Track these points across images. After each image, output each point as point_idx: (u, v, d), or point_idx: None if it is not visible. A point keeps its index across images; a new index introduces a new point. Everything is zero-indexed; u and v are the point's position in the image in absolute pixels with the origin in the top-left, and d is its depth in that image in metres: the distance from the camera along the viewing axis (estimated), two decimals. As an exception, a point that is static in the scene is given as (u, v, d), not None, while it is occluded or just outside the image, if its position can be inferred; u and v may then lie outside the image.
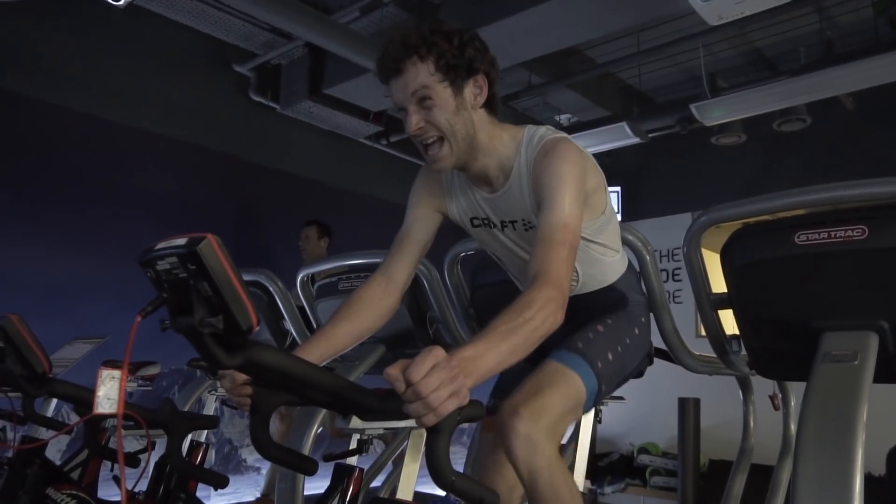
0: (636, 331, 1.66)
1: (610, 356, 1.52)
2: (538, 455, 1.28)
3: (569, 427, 1.42)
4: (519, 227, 1.51)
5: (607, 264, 1.64)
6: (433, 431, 0.85)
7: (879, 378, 1.36)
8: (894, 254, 1.34)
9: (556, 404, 1.36)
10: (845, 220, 1.39)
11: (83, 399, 1.56)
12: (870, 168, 5.06)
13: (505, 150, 1.45)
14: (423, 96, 1.35)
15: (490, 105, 1.44)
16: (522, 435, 1.28)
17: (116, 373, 0.89)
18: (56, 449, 3.83)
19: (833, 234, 1.40)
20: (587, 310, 1.63)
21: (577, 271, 1.59)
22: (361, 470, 1.55)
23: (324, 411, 2.03)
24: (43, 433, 2.14)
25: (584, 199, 1.35)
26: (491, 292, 2.20)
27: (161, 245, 0.78)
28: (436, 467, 0.84)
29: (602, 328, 1.57)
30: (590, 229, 1.51)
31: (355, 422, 1.06)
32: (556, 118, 6.28)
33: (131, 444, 2.94)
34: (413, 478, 1.00)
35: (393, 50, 1.35)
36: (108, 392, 0.89)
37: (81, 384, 1.67)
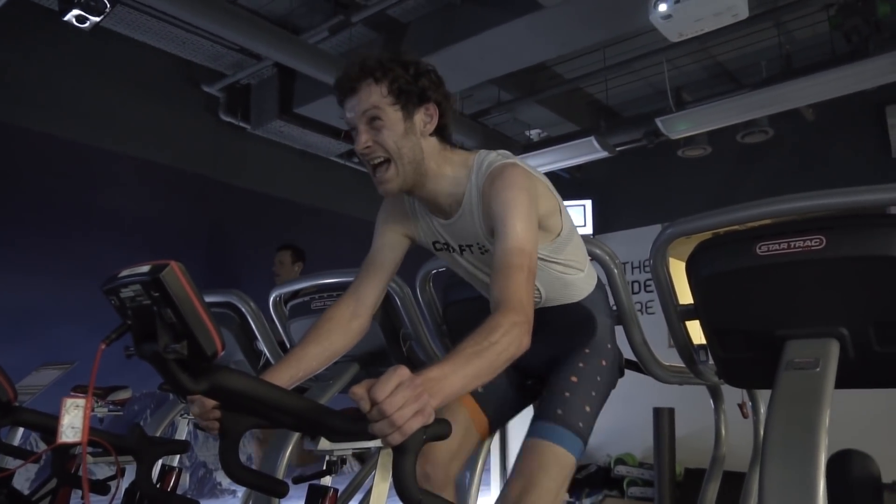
0: (603, 363, 1.68)
1: (587, 408, 1.57)
2: None
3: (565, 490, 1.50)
4: (475, 251, 1.53)
5: (570, 282, 1.65)
6: (399, 451, 0.85)
7: (841, 384, 1.39)
8: (851, 262, 1.37)
9: (553, 488, 1.44)
10: (804, 230, 1.43)
11: (49, 427, 1.53)
12: (831, 177, 5.19)
13: (455, 177, 1.47)
14: (374, 116, 1.37)
15: (441, 134, 1.46)
16: None
17: (80, 401, 0.88)
18: (24, 478, 3.74)
19: (792, 244, 1.43)
20: (554, 325, 1.64)
21: (539, 289, 1.60)
22: (336, 490, 1.54)
23: (297, 435, 2.01)
24: (10, 462, 2.09)
25: (536, 222, 1.37)
26: (463, 308, 2.21)
27: (124, 273, 0.78)
28: (402, 486, 0.84)
29: (575, 378, 1.60)
30: (547, 249, 1.52)
31: (324, 443, 1.06)
32: (527, 133, 6.34)
33: (102, 470, 2.89)
34: (383, 497, 1.00)
35: (350, 71, 1.38)
36: (73, 421, 0.88)
37: (50, 411, 1.64)
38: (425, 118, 1.42)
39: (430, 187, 1.47)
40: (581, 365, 1.63)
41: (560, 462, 1.48)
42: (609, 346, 1.72)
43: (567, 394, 1.57)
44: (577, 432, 1.52)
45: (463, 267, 1.60)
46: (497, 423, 1.78)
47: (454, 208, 1.48)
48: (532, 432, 1.54)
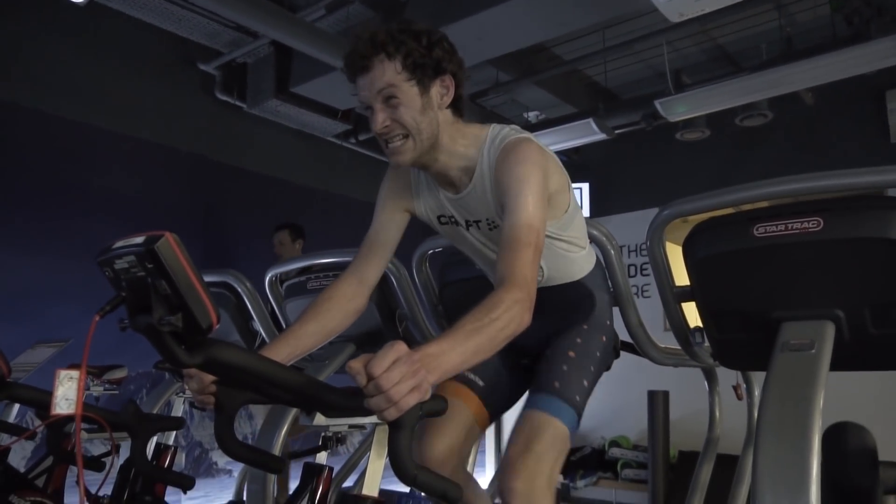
0: (603, 338, 1.70)
1: (585, 383, 1.59)
2: None
3: (560, 466, 1.52)
4: (483, 227, 1.52)
5: (573, 260, 1.65)
6: (395, 426, 0.85)
7: (836, 366, 1.39)
8: (848, 245, 1.37)
9: (548, 456, 1.46)
10: (801, 212, 1.42)
11: (44, 402, 1.54)
12: (829, 161, 5.17)
13: (467, 152, 1.45)
14: (390, 95, 1.34)
15: (455, 106, 1.44)
16: (522, 493, 1.38)
17: (74, 373, 0.87)
18: (21, 456, 3.76)
19: (790, 226, 1.43)
20: (553, 302, 1.64)
21: (542, 267, 1.60)
22: (331, 469, 1.55)
23: (294, 411, 2.02)
24: (4, 439, 2.10)
25: (547, 199, 1.36)
26: (459, 289, 2.21)
27: (119, 244, 0.77)
28: (398, 462, 0.84)
29: (573, 353, 1.61)
30: (554, 226, 1.52)
31: (319, 419, 1.06)
32: (524, 115, 6.31)
33: (98, 448, 2.90)
34: (378, 474, 1.00)
35: (361, 47, 1.34)
36: (66, 392, 0.88)
37: (44, 388, 1.64)
38: (441, 90, 1.40)
39: (442, 160, 1.45)
40: (579, 340, 1.64)
41: (556, 433, 1.49)
42: (608, 322, 1.74)
43: (565, 367, 1.58)
44: (574, 405, 1.54)
45: (469, 243, 1.59)
46: (498, 413, 1.79)
47: (464, 182, 1.47)
48: (530, 403, 1.55)
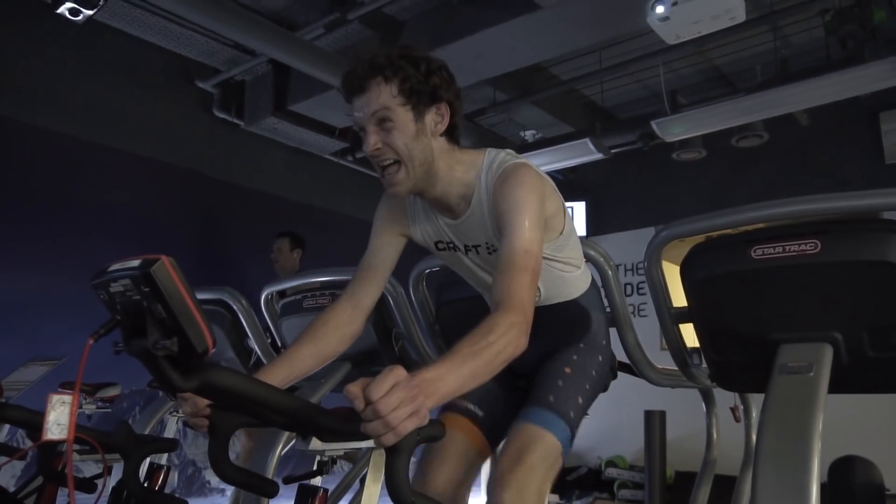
0: (599, 358, 1.68)
1: (580, 399, 1.56)
2: None
3: (550, 482, 1.47)
4: (482, 251, 1.52)
5: (569, 280, 1.65)
6: (392, 451, 0.84)
7: (835, 388, 1.39)
8: (845, 267, 1.37)
9: (539, 470, 1.42)
10: (799, 234, 1.43)
11: (35, 424, 1.51)
12: (825, 182, 5.21)
13: (465, 178, 1.45)
14: (384, 117, 1.34)
15: (451, 134, 1.44)
16: None
17: (67, 397, 0.86)
18: (10, 475, 3.71)
19: (787, 248, 1.43)
20: (550, 324, 1.64)
21: (539, 288, 1.60)
22: (325, 490, 1.53)
23: (287, 433, 2.00)
24: (-5, 459, 2.07)
25: (543, 223, 1.36)
26: (456, 309, 2.20)
27: (114, 267, 0.77)
28: (395, 487, 0.83)
29: (570, 370, 1.59)
30: (550, 248, 1.52)
31: (315, 443, 1.05)
32: (521, 134, 6.34)
33: (90, 468, 2.87)
34: (375, 498, 0.99)
35: (359, 69, 1.34)
36: (58, 417, 0.86)
37: (38, 408, 1.62)
38: (436, 118, 1.40)
39: (440, 188, 1.45)
40: (575, 358, 1.63)
41: (548, 447, 1.46)
42: (604, 342, 1.73)
43: (560, 382, 1.56)
44: (567, 421, 1.51)
45: (467, 267, 1.59)
46: (499, 441, 1.77)
47: (463, 208, 1.47)
48: (522, 417, 1.52)
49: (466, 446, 1.63)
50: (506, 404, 1.73)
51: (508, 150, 1.49)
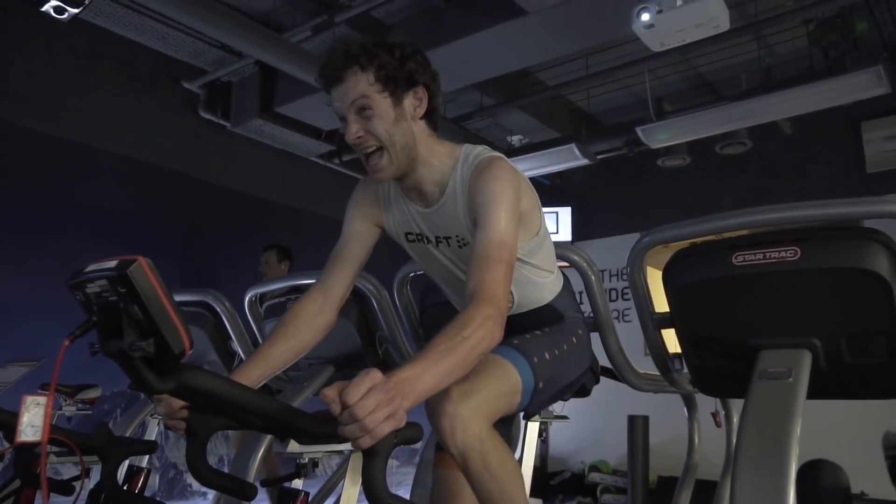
0: (573, 339, 1.64)
1: (547, 355, 1.49)
2: (467, 433, 1.21)
3: (503, 410, 1.34)
4: (453, 244, 1.51)
5: (541, 285, 1.64)
6: (369, 454, 0.84)
7: (813, 394, 1.40)
8: (824, 274, 1.39)
9: (488, 386, 1.29)
10: (780, 241, 1.44)
11: (11, 425, 1.50)
12: (807, 190, 5.27)
13: (441, 166, 1.46)
14: (363, 106, 1.36)
15: (430, 118, 1.46)
16: (449, 414, 1.20)
17: (41, 399, 0.85)
18: (-12, 477, 3.66)
19: (768, 255, 1.44)
20: (525, 328, 1.64)
21: (512, 293, 1.59)
22: (306, 494, 1.53)
23: (269, 437, 1.99)
24: (-29, 462, 2.04)
25: (518, 218, 1.36)
26: (440, 312, 2.20)
27: (91, 267, 0.76)
28: (372, 490, 0.83)
29: (539, 332, 1.57)
30: (523, 249, 1.51)
31: (293, 445, 1.05)
32: (508, 139, 6.36)
33: (69, 470, 2.83)
34: (353, 501, 0.98)
35: (334, 59, 1.36)
36: (32, 419, 0.85)
37: (17, 409, 1.60)
38: (415, 102, 1.41)
39: (419, 171, 1.46)
40: (546, 329, 1.59)
41: (505, 373, 1.36)
42: (580, 332, 1.69)
43: (528, 336, 1.51)
44: (531, 363, 1.41)
45: (437, 260, 1.58)
46: None
47: (436, 196, 1.48)
48: None
49: None
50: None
51: (485, 146, 1.49)
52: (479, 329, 1.09)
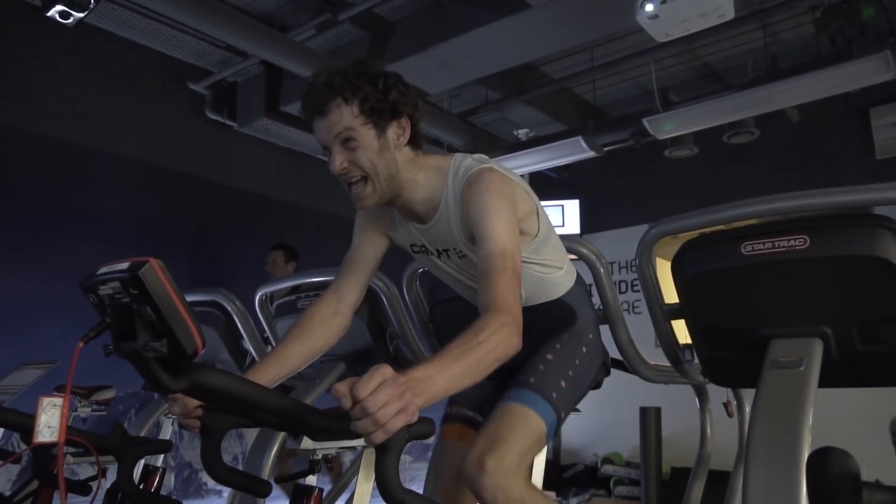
0: (584, 349, 1.66)
1: (563, 383, 1.53)
2: (511, 499, 1.30)
3: (533, 457, 1.43)
4: (453, 255, 1.53)
5: (550, 281, 1.65)
6: (382, 449, 0.85)
7: (825, 383, 1.40)
8: (834, 262, 1.38)
9: (518, 444, 1.37)
10: (788, 230, 1.44)
11: (28, 427, 1.51)
12: (816, 178, 5.23)
13: (430, 183, 1.47)
14: (347, 137, 1.36)
15: (413, 142, 1.46)
16: (490, 486, 1.29)
17: (58, 400, 0.86)
18: (6, 479, 3.70)
19: (777, 244, 1.44)
20: (536, 321, 1.64)
21: None
22: (321, 490, 1.54)
23: (282, 434, 2.00)
24: (-10, 463, 2.07)
25: (516, 223, 1.36)
26: (450, 308, 2.20)
27: (103, 270, 0.77)
28: (385, 485, 0.83)
29: (551, 356, 1.58)
30: (526, 251, 1.52)
31: (307, 442, 1.06)
32: (514, 133, 6.34)
33: (85, 470, 2.86)
34: (367, 497, 0.99)
35: (317, 92, 1.36)
36: (50, 420, 0.86)
37: (32, 412, 1.62)
38: (398, 132, 1.42)
39: (405, 196, 1.47)
40: (558, 346, 1.61)
41: (529, 424, 1.43)
42: (591, 335, 1.70)
43: (541, 367, 1.54)
44: (550, 401, 1.47)
45: (442, 269, 1.61)
46: None
47: (430, 214, 1.49)
48: (502, 398, 1.50)
49: None
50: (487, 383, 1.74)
51: (476, 156, 1.49)
52: (495, 335, 1.10)
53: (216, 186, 5.27)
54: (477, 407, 1.68)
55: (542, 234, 1.55)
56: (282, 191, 5.74)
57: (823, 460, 1.15)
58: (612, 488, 5.71)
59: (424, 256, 1.60)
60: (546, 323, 1.67)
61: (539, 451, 1.45)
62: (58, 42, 4.36)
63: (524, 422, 1.42)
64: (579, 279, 1.77)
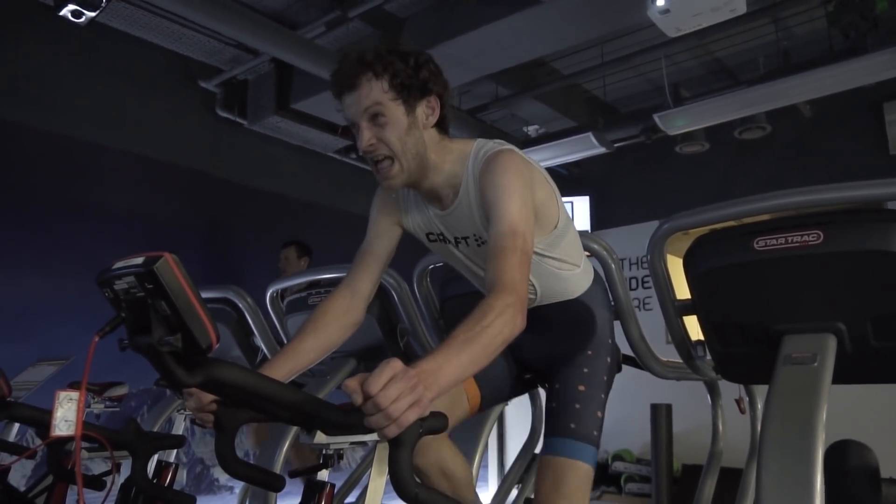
0: (608, 360, 1.68)
1: (598, 414, 1.59)
2: None
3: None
4: (472, 243, 1.52)
5: (566, 278, 1.63)
6: (395, 444, 0.85)
7: (838, 379, 1.39)
8: (848, 257, 1.38)
9: (577, 497, 1.48)
10: (802, 225, 1.43)
11: (44, 422, 1.53)
12: (828, 173, 5.19)
13: (453, 167, 1.45)
14: (376, 113, 1.35)
15: (441, 125, 1.45)
16: None
17: (74, 394, 0.87)
18: (21, 475, 3.74)
19: (790, 239, 1.43)
20: (553, 321, 1.64)
21: (533, 284, 1.59)
22: (332, 485, 1.54)
23: (294, 428, 2.01)
24: (5, 458, 2.09)
25: (531, 208, 1.34)
26: (460, 303, 2.21)
27: (118, 264, 0.78)
28: (398, 480, 0.84)
29: (583, 387, 1.60)
30: (542, 244, 1.51)
31: (320, 437, 1.06)
32: (524, 129, 6.33)
33: (98, 466, 2.89)
34: (380, 492, 0.99)
35: (348, 66, 1.35)
36: (66, 414, 0.87)
37: (46, 408, 1.63)
38: (427, 111, 1.41)
39: (431, 178, 1.46)
40: (586, 370, 1.63)
41: (579, 475, 1.50)
42: (609, 341, 1.72)
43: (577, 405, 1.58)
44: (592, 442, 1.55)
45: (458, 259, 1.60)
46: (489, 402, 1.77)
47: (451, 199, 1.48)
48: (549, 448, 1.55)
49: (458, 388, 1.63)
50: (507, 378, 1.78)
51: (497, 140, 1.48)
52: (500, 317, 1.09)
53: (227, 184, 5.29)
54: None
55: (561, 227, 1.53)
56: (293, 188, 5.75)
57: (841, 452, 1.14)
58: (622, 485, 5.70)
59: (441, 245, 1.59)
60: (563, 322, 1.67)
61: (590, 489, 1.54)
62: (70, 41, 4.39)
63: (575, 474, 1.50)
64: (597, 278, 1.76)
